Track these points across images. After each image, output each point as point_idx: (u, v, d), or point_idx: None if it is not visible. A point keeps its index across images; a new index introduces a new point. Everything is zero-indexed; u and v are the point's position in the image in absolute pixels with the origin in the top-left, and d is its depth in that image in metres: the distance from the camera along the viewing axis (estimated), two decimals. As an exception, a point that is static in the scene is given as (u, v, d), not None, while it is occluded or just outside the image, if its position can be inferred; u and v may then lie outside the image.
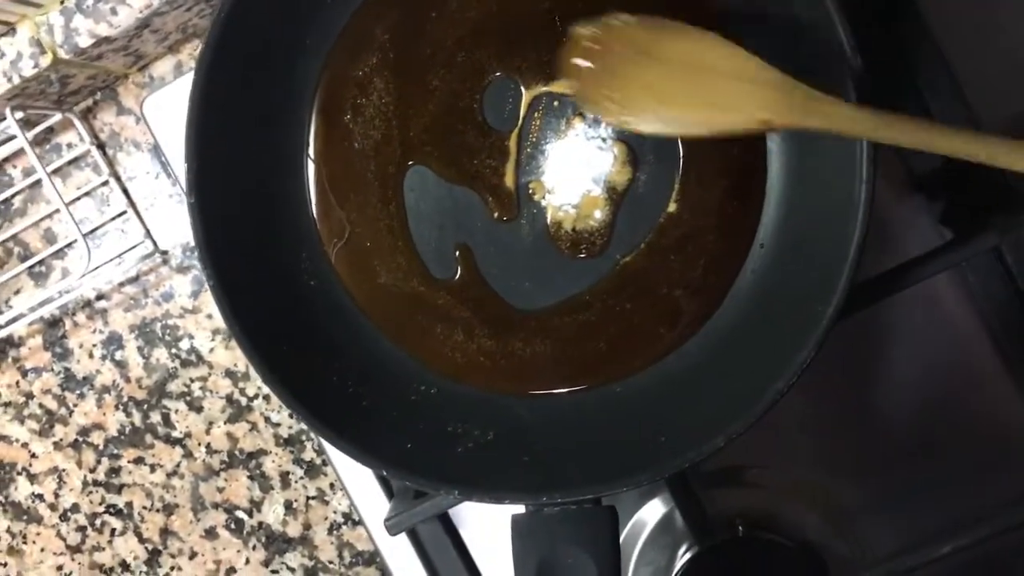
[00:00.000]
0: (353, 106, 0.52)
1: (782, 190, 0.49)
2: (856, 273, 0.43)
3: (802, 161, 0.49)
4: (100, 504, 0.73)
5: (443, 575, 0.60)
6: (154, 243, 0.69)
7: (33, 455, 0.73)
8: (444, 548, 0.59)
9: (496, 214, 0.52)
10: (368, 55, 0.52)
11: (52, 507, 0.73)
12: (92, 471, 0.72)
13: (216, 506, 0.72)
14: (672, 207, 0.51)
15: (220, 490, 0.72)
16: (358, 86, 0.52)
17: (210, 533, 0.72)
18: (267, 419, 0.71)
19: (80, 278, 0.66)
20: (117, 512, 0.73)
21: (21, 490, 0.73)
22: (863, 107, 0.40)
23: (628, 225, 0.51)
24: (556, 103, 0.51)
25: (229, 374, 0.70)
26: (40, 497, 0.73)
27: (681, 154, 0.50)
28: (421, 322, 0.53)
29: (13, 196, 0.70)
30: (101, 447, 0.72)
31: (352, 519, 0.71)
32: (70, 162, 0.69)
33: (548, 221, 0.52)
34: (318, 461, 0.70)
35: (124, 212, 0.69)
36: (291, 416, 0.70)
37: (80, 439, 0.72)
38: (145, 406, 0.71)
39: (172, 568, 0.73)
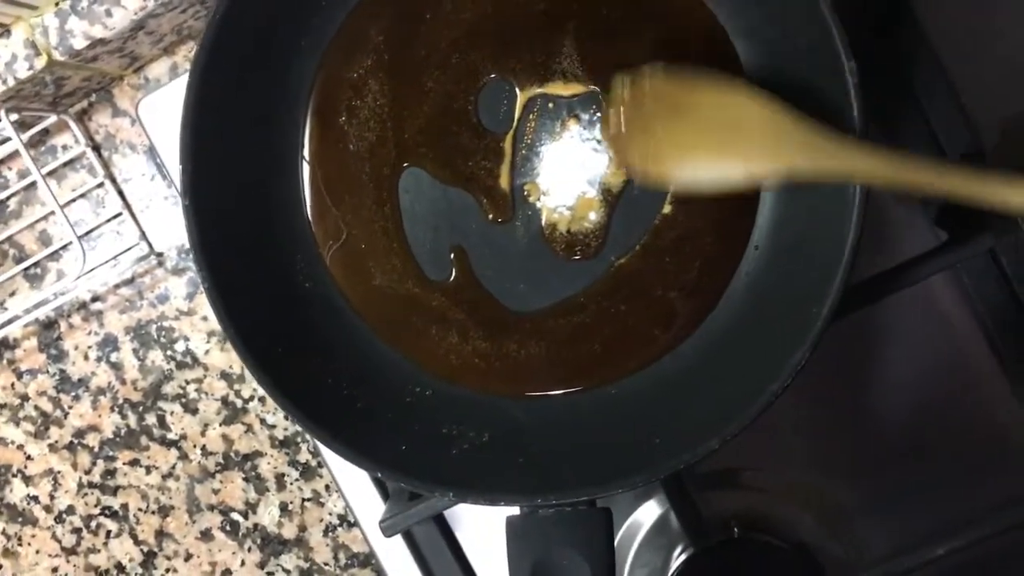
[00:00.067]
0: (348, 108, 0.52)
1: (777, 192, 0.49)
2: (851, 275, 0.43)
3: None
4: (95, 506, 0.73)
5: (438, 577, 0.60)
6: (149, 245, 0.69)
7: (28, 457, 0.73)
8: (439, 550, 0.59)
9: (491, 216, 0.52)
10: (363, 57, 0.52)
11: (47, 509, 0.73)
12: (87, 473, 0.72)
13: (211, 508, 0.72)
14: (667, 209, 0.51)
15: (215, 492, 0.72)
16: (353, 88, 0.52)
17: (205, 535, 0.72)
18: (262, 421, 0.71)
19: (75, 280, 0.66)
20: (112, 514, 0.73)
21: (16, 492, 0.73)
22: (896, 152, 0.40)
23: (623, 227, 0.51)
24: (551, 105, 0.51)
25: (224, 376, 0.70)
26: (35, 499, 0.73)
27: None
28: (416, 324, 0.53)
29: (8, 198, 0.70)
30: (96, 449, 0.72)
31: (347, 521, 0.71)
32: (65, 164, 0.69)
33: (543, 223, 0.52)
34: (313, 463, 0.70)
35: (119, 214, 0.69)
36: (286, 418, 0.70)
37: (75, 441, 0.72)
38: (140, 408, 0.71)
39: (167, 570, 0.73)
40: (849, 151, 0.41)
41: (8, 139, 0.65)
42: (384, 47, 0.52)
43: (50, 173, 0.69)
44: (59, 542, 0.73)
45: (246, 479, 0.71)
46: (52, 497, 0.73)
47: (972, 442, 0.60)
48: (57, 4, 0.59)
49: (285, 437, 0.71)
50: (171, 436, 0.71)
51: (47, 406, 0.72)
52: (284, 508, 0.71)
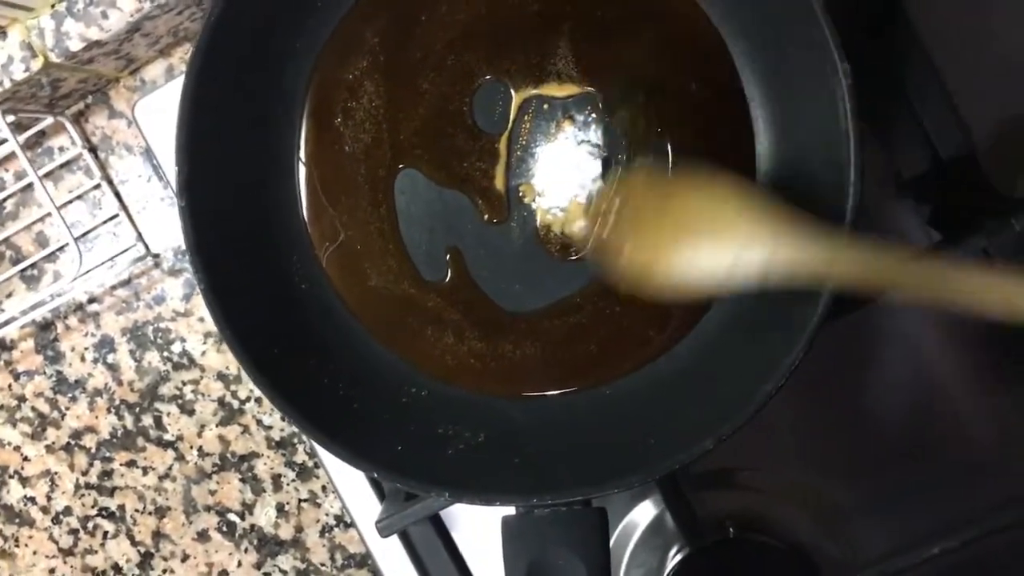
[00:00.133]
0: (343, 109, 0.52)
1: (771, 194, 0.50)
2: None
3: (790, 168, 0.49)
4: (92, 507, 0.73)
5: (434, 577, 0.60)
6: (146, 246, 0.69)
7: (25, 458, 0.73)
8: (435, 550, 0.59)
9: (486, 217, 0.52)
10: (358, 58, 0.52)
11: (44, 510, 0.73)
12: (84, 474, 0.72)
13: (208, 509, 0.72)
14: (663, 210, 0.51)
15: (212, 493, 0.72)
16: (348, 89, 0.52)
17: (202, 536, 0.72)
18: (259, 422, 0.71)
19: (72, 281, 0.66)
20: (109, 515, 0.73)
21: (13, 493, 0.73)
22: (882, 248, 0.38)
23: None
24: (546, 106, 0.51)
25: (221, 377, 0.70)
26: (32, 500, 0.73)
27: (671, 157, 0.50)
28: (412, 324, 0.53)
29: (5, 200, 0.70)
30: (93, 450, 0.72)
31: (344, 521, 0.71)
32: (62, 165, 0.69)
33: (538, 224, 0.52)
34: (310, 464, 0.70)
35: (116, 215, 0.69)
36: (283, 419, 0.70)
37: (72, 442, 0.72)
38: (137, 409, 0.71)
39: (164, 571, 0.73)
40: (832, 250, 0.39)
41: (4, 141, 0.66)
42: (379, 49, 0.52)
43: (46, 175, 0.69)
44: (56, 543, 0.73)
45: (243, 480, 0.71)
46: (49, 498, 0.73)
47: (966, 443, 0.60)
48: (53, 6, 0.59)
49: (281, 438, 0.71)
50: (168, 437, 0.72)
51: (44, 407, 0.72)
52: (281, 509, 0.71)
